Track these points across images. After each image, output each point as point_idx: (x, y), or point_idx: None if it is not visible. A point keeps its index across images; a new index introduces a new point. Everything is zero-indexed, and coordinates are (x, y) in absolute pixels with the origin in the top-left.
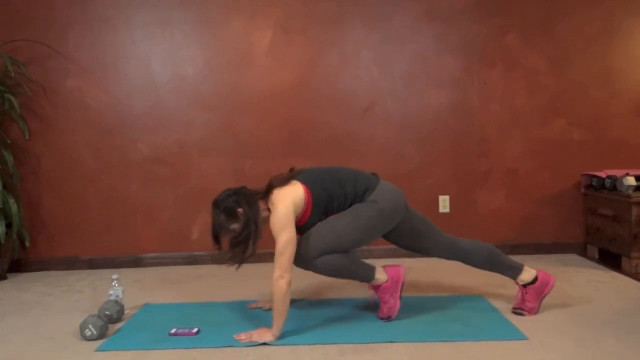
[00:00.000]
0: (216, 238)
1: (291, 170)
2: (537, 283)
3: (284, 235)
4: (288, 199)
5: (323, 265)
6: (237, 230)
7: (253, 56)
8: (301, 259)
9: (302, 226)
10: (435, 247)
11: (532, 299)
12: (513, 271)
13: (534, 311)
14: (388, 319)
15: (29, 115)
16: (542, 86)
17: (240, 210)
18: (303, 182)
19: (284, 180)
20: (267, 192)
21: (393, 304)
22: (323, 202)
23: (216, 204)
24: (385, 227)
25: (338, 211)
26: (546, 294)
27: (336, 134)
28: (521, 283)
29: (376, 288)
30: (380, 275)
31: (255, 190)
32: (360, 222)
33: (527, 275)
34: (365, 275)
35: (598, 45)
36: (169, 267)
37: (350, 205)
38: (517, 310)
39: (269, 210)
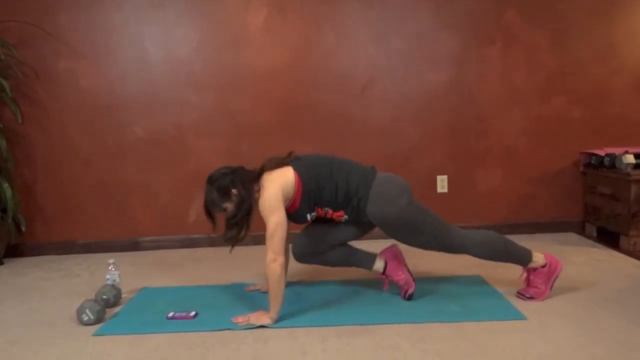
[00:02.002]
0: (209, 213)
1: (289, 154)
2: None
3: (274, 217)
4: (277, 182)
5: (477, 247)
6: (230, 210)
7: (248, 35)
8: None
9: (293, 214)
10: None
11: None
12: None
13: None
14: (531, 298)
15: (22, 98)
16: (541, 63)
17: (234, 191)
18: (295, 168)
19: (276, 164)
20: (258, 175)
21: (544, 290)
22: (313, 192)
23: (210, 181)
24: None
25: (328, 204)
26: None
27: (333, 113)
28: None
29: (530, 271)
30: (538, 259)
31: (251, 171)
32: (419, 217)
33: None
34: (523, 257)
35: (599, 21)
36: (166, 250)
37: (341, 202)
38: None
39: (259, 192)
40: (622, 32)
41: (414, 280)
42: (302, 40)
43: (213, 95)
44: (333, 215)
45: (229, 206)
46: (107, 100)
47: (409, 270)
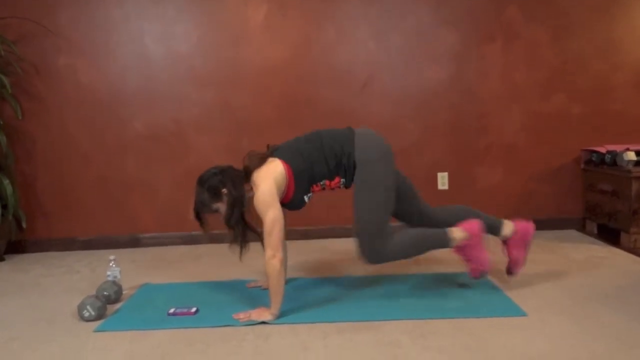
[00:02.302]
0: (197, 215)
1: (268, 147)
2: (519, 234)
3: (270, 214)
4: (269, 178)
5: (395, 250)
6: (224, 212)
7: (248, 31)
8: (370, 257)
9: (290, 202)
10: (418, 213)
11: (517, 249)
12: (495, 230)
13: (522, 260)
14: (482, 274)
15: (22, 94)
16: (542, 60)
17: (224, 190)
18: (280, 157)
19: (259, 160)
20: (246, 174)
21: (482, 256)
22: (305, 171)
23: (201, 182)
24: (392, 173)
25: (322, 177)
26: (529, 241)
27: (333, 109)
28: (504, 239)
29: (460, 249)
30: (458, 234)
31: (240, 170)
32: (376, 186)
33: (507, 229)
34: (441, 240)
35: (600, 17)
36: (167, 247)
37: (334, 168)
38: (513, 271)
39: (252, 190)
40: (623, 28)
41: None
42: (302, 36)
43: (213, 91)
44: (331, 184)
45: (221, 207)
46: (107, 96)
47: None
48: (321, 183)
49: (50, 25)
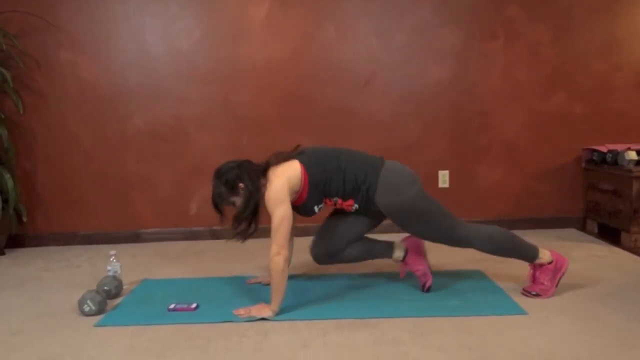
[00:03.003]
0: (217, 207)
1: (296, 148)
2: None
3: (279, 211)
4: (283, 176)
5: (483, 242)
6: (238, 205)
7: (249, 28)
8: (461, 243)
9: (300, 206)
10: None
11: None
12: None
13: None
14: (537, 295)
15: (23, 89)
16: (543, 58)
17: (241, 185)
18: (302, 161)
19: (282, 158)
20: (264, 169)
21: (549, 287)
22: (321, 184)
23: (218, 175)
24: (419, 188)
25: (336, 195)
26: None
27: (334, 107)
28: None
29: (536, 268)
30: (544, 255)
31: (258, 165)
32: (423, 214)
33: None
34: (529, 253)
35: (601, 16)
36: (167, 242)
37: (350, 191)
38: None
39: (265, 186)
40: (624, 27)
41: (431, 273)
42: (303, 34)
43: (214, 88)
44: (343, 204)
45: (237, 200)
46: (108, 92)
47: (428, 263)
48: (334, 199)
49: (52, 19)
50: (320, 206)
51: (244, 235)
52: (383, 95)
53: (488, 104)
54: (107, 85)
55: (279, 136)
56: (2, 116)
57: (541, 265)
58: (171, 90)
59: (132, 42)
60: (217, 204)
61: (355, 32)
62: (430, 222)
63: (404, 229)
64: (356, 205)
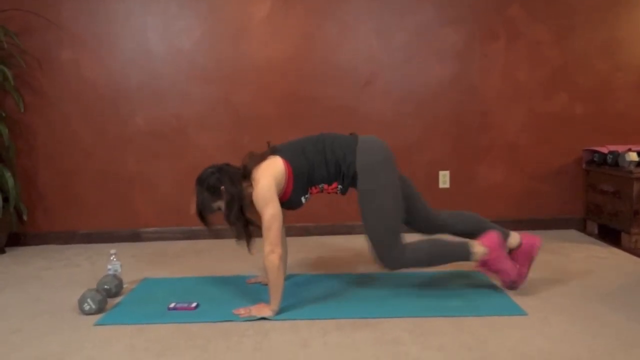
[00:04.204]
0: (201, 215)
1: (268, 145)
2: (523, 247)
3: (269, 210)
4: (268, 174)
5: (416, 257)
6: (222, 209)
7: (251, 28)
8: (387, 263)
9: (287, 201)
10: (425, 216)
11: (521, 263)
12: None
13: (524, 276)
14: (512, 284)
15: (24, 87)
16: (544, 58)
17: (223, 188)
18: (282, 156)
19: (259, 158)
20: (244, 171)
21: (507, 267)
22: (305, 173)
23: (200, 182)
24: (396, 178)
25: (321, 180)
26: (534, 257)
27: (335, 106)
28: (508, 248)
29: (483, 264)
30: (479, 249)
31: (238, 167)
32: (381, 195)
33: (512, 240)
34: (463, 253)
35: (603, 17)
36: (167, 241)
37: (333, 174)
38: (510, 284)
39: (251, 186)
40: (626, 28)
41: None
42: (305, 33)
43: (215, 87)
44: (328, 189)
45: (221, 204)
46: (109, 90)
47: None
48: (319, 186)
49: (53, 18)
50: (306, 196)
51: (246, 234)
52: (383, 95)
53: (489, 104)
54: (108, 84)
55: (280, 135)
56: (3, 115)
57: (485, 259)
58: (172, 90)
59: (133, 42)
60: (202, 212)
61: (356, 32)
62: (381, 203)
63: (361, 202)
64: (340, 186)
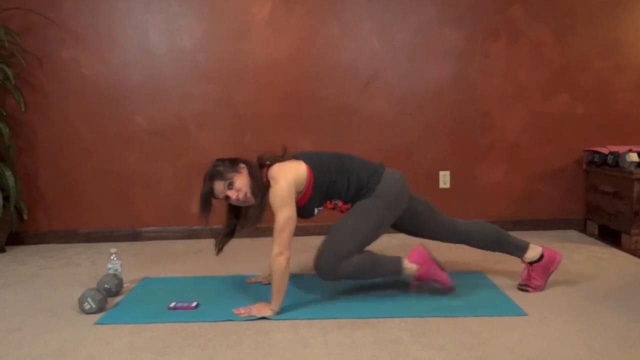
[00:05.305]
0: (206, 201)
1: (285, 149)
2: (543, 260)
3: (285, 211)
4: (290, 175)
5: (347, 270)
6: (237, 184)
7: (252, 27)
8: (322, 270)
9: (301, 208)
10: (438, 231)
11: (538, 276)
12: (519, 250)
13: (539, 288)
14: (451, 289)
15: (25, 86)
16: (546, 59)
17: (242, 165)
18: (307, 162)
19: (277, 158)
20: (260, 163)
21: (441, 277)
22: (324, 186)
23: (214, 164)
24: (393, 218)
25: (339, 197)
26: (552, 271)
27: (336, 106)
28: (527, 261)
29: (420, 279)
30: (410, 266)
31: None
32: (369, 218)
33: (533, 253)
34: (393, 268)
35: (604, 17)
36: (168, 241)
37: (353, 194)
38: (523, 287)
39: (267, 182)
40: (627, 28)
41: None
42: (306, 32)
43: (216, 86)
44: (342, 207)
45: (236, 178)
46: (110, 89)
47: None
48: (335, 202)
49: (54, 17)
50: (320, 209)
51: (254, 221)
52: (385, 94)
53: (490, 104)
54: (109, 83)
55: (282, 135)
56: (4, 113)
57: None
58: (173, 88)
59: (134, 40)
60: (212, 189)
61: (357, 32)
62: (362, 225)
63: (348, 213)
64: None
